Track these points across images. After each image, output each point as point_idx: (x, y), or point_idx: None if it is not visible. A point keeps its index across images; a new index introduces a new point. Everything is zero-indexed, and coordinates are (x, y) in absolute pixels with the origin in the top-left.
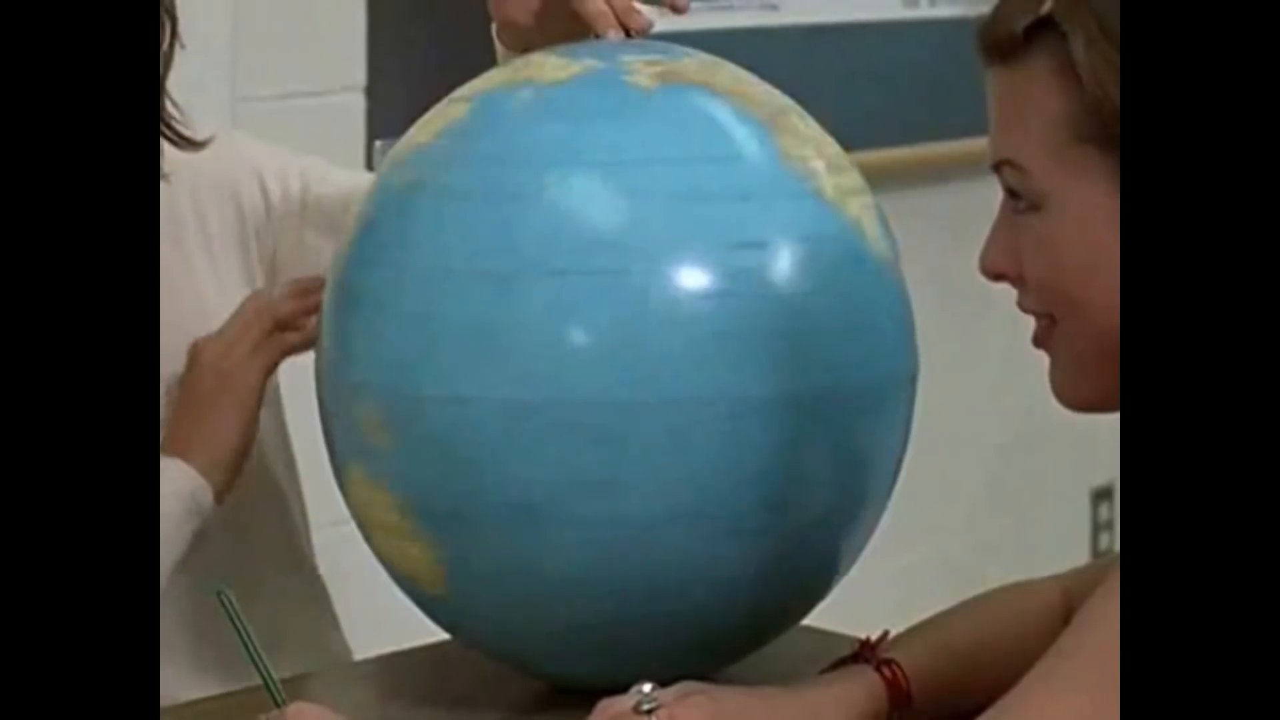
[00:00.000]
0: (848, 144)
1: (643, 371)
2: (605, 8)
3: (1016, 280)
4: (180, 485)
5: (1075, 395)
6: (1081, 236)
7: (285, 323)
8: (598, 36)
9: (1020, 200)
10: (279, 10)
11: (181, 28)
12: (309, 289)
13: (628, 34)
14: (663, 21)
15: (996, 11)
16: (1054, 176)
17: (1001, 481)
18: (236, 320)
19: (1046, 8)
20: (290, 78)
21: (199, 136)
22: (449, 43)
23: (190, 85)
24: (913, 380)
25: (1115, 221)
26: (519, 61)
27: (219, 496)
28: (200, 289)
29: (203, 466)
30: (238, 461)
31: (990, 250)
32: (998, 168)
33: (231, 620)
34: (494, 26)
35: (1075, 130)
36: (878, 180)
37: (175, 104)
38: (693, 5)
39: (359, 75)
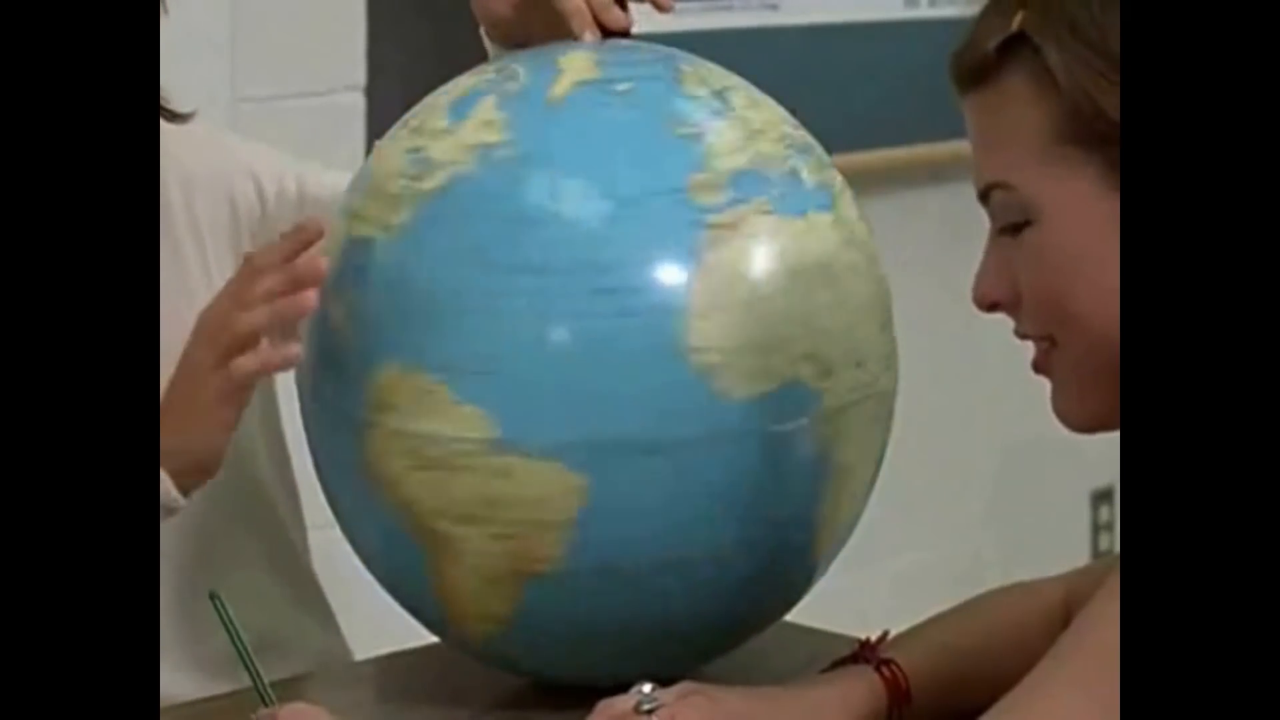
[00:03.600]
0: (848, 144)
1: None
2: (582, 4)
3: (1012, 307)
4: None
5: (1079, 416)
6: (1075, 241)
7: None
8: (576, 35)
9: (1010, 221)
10: (279, 10)
11: (182, 29)
12: (302, 277)
13: (606, 32)
14: (662, 21)
15: (967, 39)
16: (1042, 184)
17: (1002, 483)
18: (205, 322)
19: (1016, 23)
20: (290, 78)
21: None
22: (449, 43)
23: (191, 86)
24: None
25: (1107, 222)
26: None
27: (187, 487)
28: (193, 288)
29: (166, 456)
30: (204, 469)
31: (982, 280)
32: (985, 196)
33: (224, 623)
34: (482, 28)
35: (1058, 134)
36: (878, 180)
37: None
38: (693, 5)
39: (359, 75)
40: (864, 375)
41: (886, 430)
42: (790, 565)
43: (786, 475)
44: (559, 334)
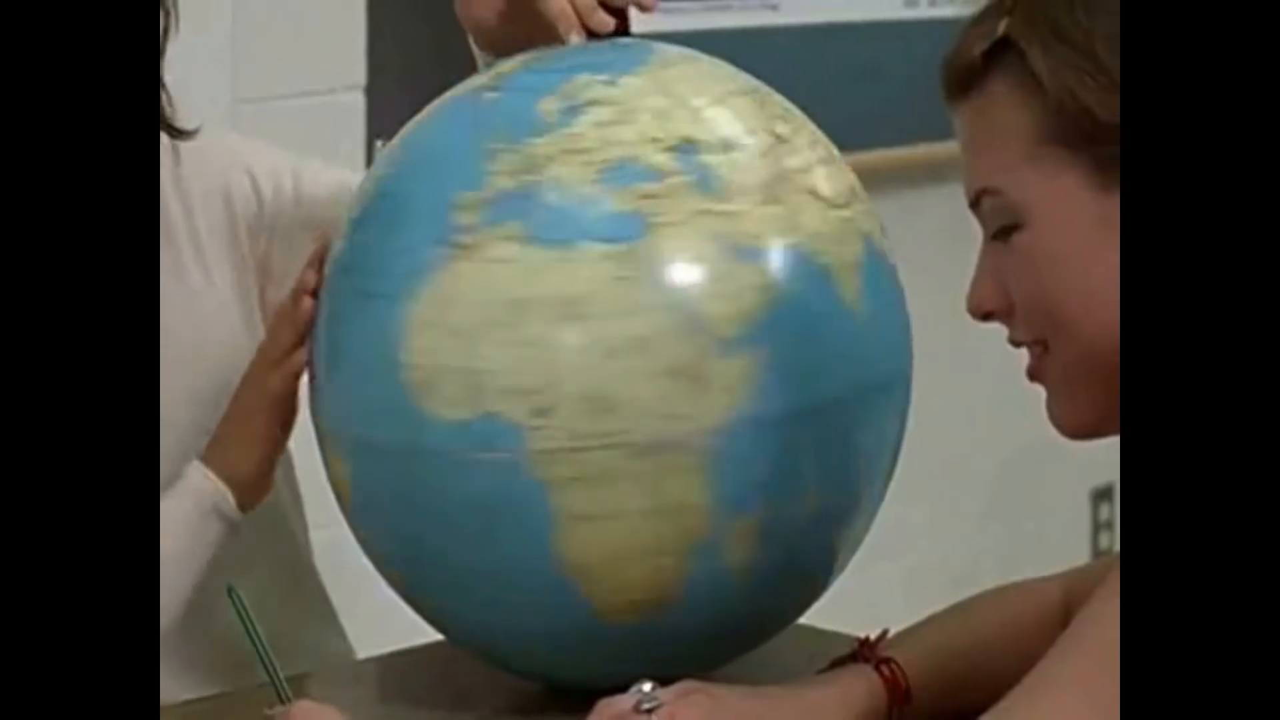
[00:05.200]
0: (848, 144)
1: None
2: (567, 7)
3: (1006, 315)
4: (201, 486)
5: (1074, 422)
6: (1063, 243)
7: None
8: (563, 40)
9: (1000, 225)
10: (279, 10)
11: (182, 30)
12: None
13: (591, 34)
14: (662, 22)
15: (954, 48)
16: (1030, 186)
17: (1002, 482)
18: (270, 328)
19: (1001, 29)
20: (290, 78)
21: (188, 128)
22: (449, 43)
23: (191, 86)
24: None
25: (1095, 223)
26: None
27: (243, 504)
28: (189, 284)
29: (223, 474)
30: (255, 486)
31: (976, 289)
32: (975, 204)
33: (240, 617)
34: (469, 35)
35: (1044, 135)
36: (878, 180)
37: (168, 94)
38: (693, 5)
39: (359, 75)
40: (611, 423)
41: (687, 487)
42: (534, 618)
43: (498, 508)
44: (332, 331)
